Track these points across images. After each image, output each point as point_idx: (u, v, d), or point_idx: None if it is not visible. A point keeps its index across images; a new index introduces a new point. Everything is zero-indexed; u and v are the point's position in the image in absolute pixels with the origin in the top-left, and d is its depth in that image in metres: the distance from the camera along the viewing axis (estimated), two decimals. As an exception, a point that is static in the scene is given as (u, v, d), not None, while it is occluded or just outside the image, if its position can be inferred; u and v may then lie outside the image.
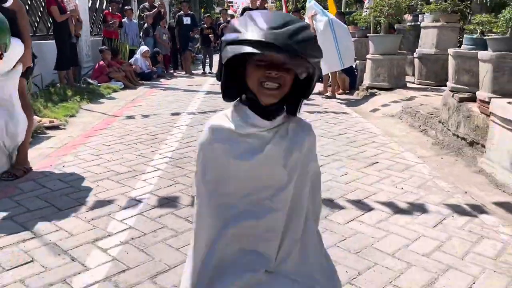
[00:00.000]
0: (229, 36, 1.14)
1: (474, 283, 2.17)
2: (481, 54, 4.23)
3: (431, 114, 5.47)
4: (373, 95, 7.68)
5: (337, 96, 8.24)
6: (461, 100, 4.70)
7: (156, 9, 12.12)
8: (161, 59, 11.71)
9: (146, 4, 12.49)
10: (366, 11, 9.61)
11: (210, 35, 12.72)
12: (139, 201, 3.09)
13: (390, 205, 3.12)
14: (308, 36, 1.14)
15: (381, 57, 7.74)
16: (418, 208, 3.09)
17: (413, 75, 8.40)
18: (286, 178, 1.28)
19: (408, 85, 7.90)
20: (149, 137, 4.96)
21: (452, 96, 4.90)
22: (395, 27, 9.37)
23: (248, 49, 1.09)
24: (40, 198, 3.13)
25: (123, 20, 11.06)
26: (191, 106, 7.01)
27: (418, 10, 9.13)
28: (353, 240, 2.60)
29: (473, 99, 4.55)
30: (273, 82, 1.20)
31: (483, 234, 2.70)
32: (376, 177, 3.70)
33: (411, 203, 3.17)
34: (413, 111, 5.88)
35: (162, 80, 10.83)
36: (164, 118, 6.03)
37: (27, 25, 3.62)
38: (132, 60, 10.31)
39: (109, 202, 3.07)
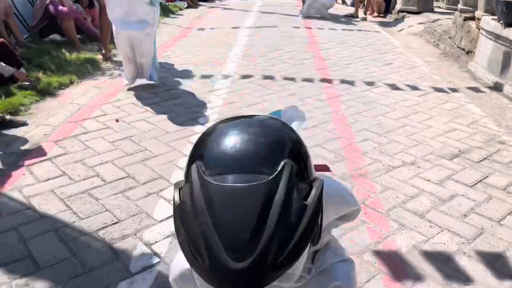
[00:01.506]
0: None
1: (430, 118, 3.82)
2: (480, -19, 5.52)
3: (445, 32, 6.82)
4: (403, 17, 8.93)
5: (372, 19, 9.50)
6: (465, 19, 6.04)
7: None
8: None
9: None
10: None
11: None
12: (228, 76, 4.83)
13: (392, 85, 4.73)
14: (301, 245, 0.70)
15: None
16: (412, 87, 4.69)
17: (443, 0, 9.47)
18: None
19: (436, 10, 9.06)
20: (221, 42, 6.62)
21: (460, 16, 6.23)
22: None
23: None
24: (164, 72, 4.94)
25: None
26: (246, 22, 8.53)
27: None
28: (364, 99, 4.26)
29: (473, 18, 5.89)
30: None
31: (449, 100, 4.30)
32: (388, 71, 5.27)
33: (408, 85, 4.76)
34: (432, 30, 7.23)
35: (216, 1, 12.25)
36: (228, 30, 7.63)
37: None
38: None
39: (209, 75, 4.83)
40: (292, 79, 4.80)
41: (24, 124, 3.40)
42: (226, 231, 0.66)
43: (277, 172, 0.69)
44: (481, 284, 1.88)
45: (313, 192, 0.73)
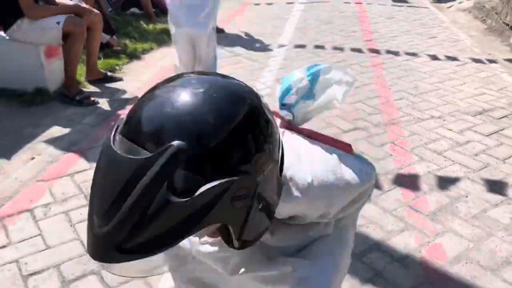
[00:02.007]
0: None
1: (463, 84, 4.32)
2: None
3: (493, 8, 7.08)
4: None
5: None
6: None
7: None
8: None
9: None
10: None
11: None
12: (283, 45, 5.50)
13: (433, 56, 5.21)
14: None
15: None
16: (451, 58, 5.15)
17: None
18: None
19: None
20: (277, 16, 7.26)
21: None
22: None
23: None
24: (228, 41, 5.66)
25: None
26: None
27: None
28: (404, 67, 4.80)
29: None
30: None
31: (485, 70, 4.76)
32: (431, 44, 5.73)
33: (448, 56, 5.23)
34: (481, 6, 7.49)
35: None
36: (283, 5, 8.23)
37: None
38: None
39: (268, 44, 5.51)
40: (341, 48, 5.39)
41: (120, 79, 4.24)
42: (97, 197, 0.67)
43: (155, 153, 0.62)
44: (476, 198, 2.50)
45: (200, 192, 0.62)
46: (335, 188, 0.95)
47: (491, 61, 5.06)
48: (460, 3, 8.35)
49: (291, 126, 1.09)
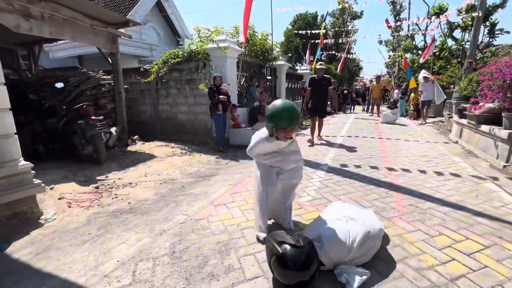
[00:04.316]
0: None
1: (421, 149, 5.99)
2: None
3: (442, 122, 8.52)
4: (425, 120, 10.49)
5: (413, 121, 11.14)
6: (449, 117, 7.82)
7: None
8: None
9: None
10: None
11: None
12: (342, 135, 7.60)
13: (407, 140, 6.89)
14: None
15: (434, 104, 10.66)
16: (419, 142, 6.78)
17: (446, 110, 10.78)
18: None
19: (444, 114, 10.47)
20: (339, 126, 9.33)
21: (447, 115, 8.02)
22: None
23: None
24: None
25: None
26: (349, 121, 11.16)
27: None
28: (396, 142, 6.60)
29: (452, 116, 7.68)
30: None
31: (432, 146, 6.30)
32: (408, 136, 7.40)
33: (416, 140, 6.86)
34: (438, 122, 8.93)
35: (329, 116, 14.98)
36: (341, 124, 10.32)
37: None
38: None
39: (333, 135, 7.64)
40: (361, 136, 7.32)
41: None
42: None
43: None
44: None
45: None
46: None
47: (435, 142, 6.55)
48: (428, 123, 9.84)
49: None
